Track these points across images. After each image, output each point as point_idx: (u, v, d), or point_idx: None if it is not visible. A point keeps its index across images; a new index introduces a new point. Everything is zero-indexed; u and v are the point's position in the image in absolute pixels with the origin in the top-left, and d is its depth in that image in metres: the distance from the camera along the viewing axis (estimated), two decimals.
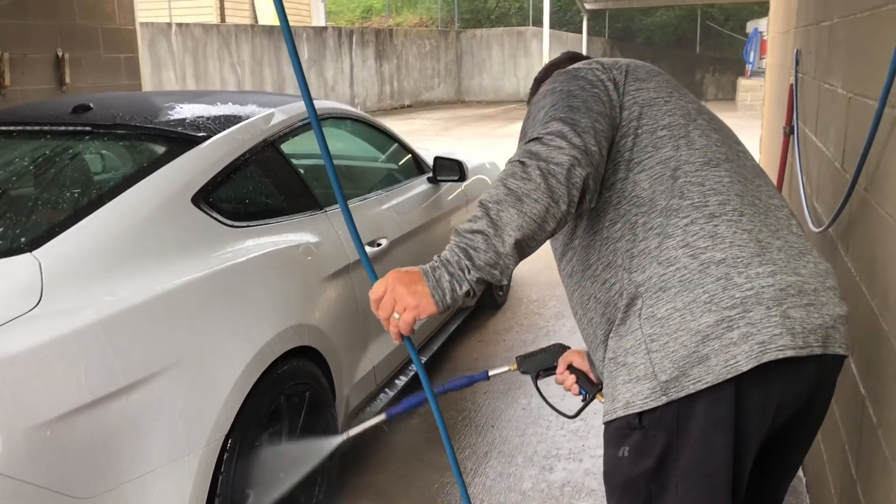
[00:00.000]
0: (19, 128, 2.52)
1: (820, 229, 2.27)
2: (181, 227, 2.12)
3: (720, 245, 1.31)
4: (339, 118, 3.35)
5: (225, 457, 1.96)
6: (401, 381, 3.14)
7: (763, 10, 17.72)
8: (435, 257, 1.31)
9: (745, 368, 1.25)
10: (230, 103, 2.92)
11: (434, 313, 1.31)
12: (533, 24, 23.97)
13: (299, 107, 2.90)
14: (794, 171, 3.22)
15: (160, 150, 2.36)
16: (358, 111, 3.53)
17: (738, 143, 1.51)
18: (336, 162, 1.43)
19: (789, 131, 3.52)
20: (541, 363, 1.88)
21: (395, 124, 10.89)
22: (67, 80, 6.14)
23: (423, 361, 1.56)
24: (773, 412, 1.32)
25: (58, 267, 1.78)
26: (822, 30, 2.72)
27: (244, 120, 2.60)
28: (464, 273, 1.27)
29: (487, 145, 12.36)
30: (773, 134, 4.79)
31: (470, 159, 4.33)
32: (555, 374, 1.83)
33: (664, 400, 1.29)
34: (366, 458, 2.95)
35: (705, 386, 1.26)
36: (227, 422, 1.97)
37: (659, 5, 24.32)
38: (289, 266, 2.40)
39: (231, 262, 2.15)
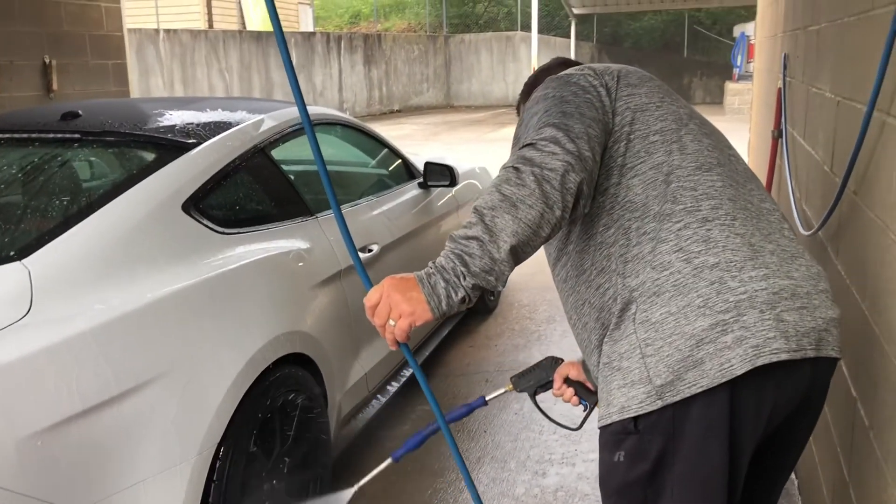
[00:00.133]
0: (7, 135, 2.51)
1: (810, 232, 2.28)
2: (172, 235, 2.11)
3: (713, 249, 1.31)
4: (329, 124, 3.35)
5: (217, 465, 1.95)
6: (393, 387, 3.14)
7: (750, 15, 17.83)
8: (430, 263, 1.31)
9: (739, 372, 1.25)
10: (220, 110, 2.92)
11: (430, 320, 1.30)
12: (521, 29, 24.04)
13: (289, 113, 2.90)
14: (782, 175, 3.24)
15: (150, 157, 2.35)
16: (348, 116, 3.52)
17: (730, 147, 1.52)
18: (327, 168, 1.42)
19: (778, 135, 3.54)
20: (537, 380, 1.86)
21: (384, 129, 10.88)
22: (55, 86, 6.10)
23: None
24: (767, 415, 1.33)
25: (48, 275, 1.77)
26: (810, 34, 2.74)
27: (234, 126, 2.59)
28: (459, 279, 1.27)
29: (477, 150, 12.37)
30: (762, 137, 4.82)
31: (460, 164, 4.34)
32: (551, 388, 1.83)
33: (659, 404, 1.29)
34: (359, 464, 2.94)
35: (700, 390, 1.26)
36: (220, 430, 1.96)
37: (646, 10, 24.44)
38: (280, 273, 2.39)
39: (222, 270, 2.14)
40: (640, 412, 1.31)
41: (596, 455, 2.91)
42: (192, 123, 2.59)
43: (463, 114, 20.99)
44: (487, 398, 1.89)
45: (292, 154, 3.06)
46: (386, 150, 3.76)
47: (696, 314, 1.27)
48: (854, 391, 1.75)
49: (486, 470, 2.89)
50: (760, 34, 6.17)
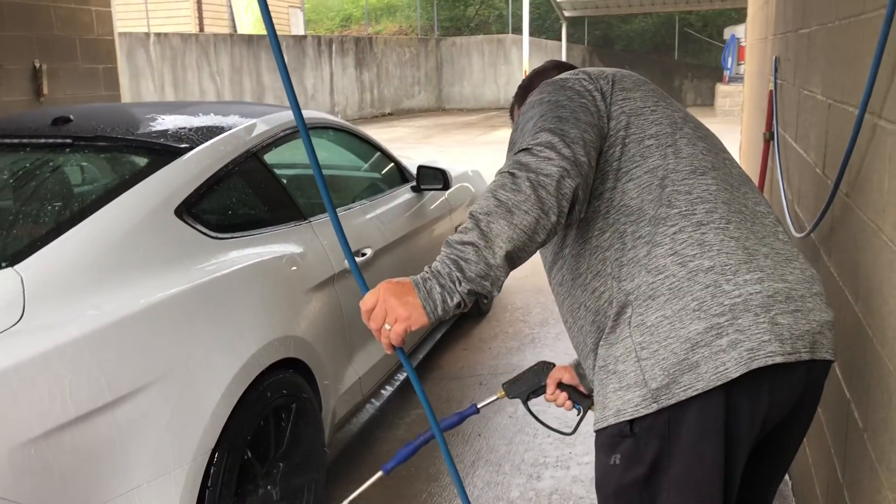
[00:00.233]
0: None
1: (802, 234, 2.29)
2: (164, 240, 2.10)
3: (708, 253, 1.32)
4: (320, 128, 3.35)
5: (212, 471, 1.94)
6: (387, 392, 3.13)
7: (740, 17, 17.93)
8: (426, 268, 1.31)
9: (734, 375, 1.26)
10: (212, 114, 2.91)
11: (426, 325, 1.30)
12: (512, 32, 24.06)
13: (282, 117, 2.89)
14: (774, 177, 3.26)
15: (142, 161, 2.34)
16: (340, 120, 3.52)
17: (724, 150, 1.53)
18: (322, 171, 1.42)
19: (769, 137, 3.55)
20: (529, 385, 1.85)
21: (375, 132, 10.87)
22: (45, 91, 6.07)
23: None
24: (762, 417, 1.33)
25: (40, 281, 1.76)
26: (801, 37, 2.75)
27: (227, 131, 2.58)
28: (455, 285, 1.27)
29: (469, 153, 12.38)
30: (753, 139, 4.84)
31: (453, 167, 4.34)
32: (544, 394, 1.83)
33: (655, 407, 1.29)
34: (352, 469, 2.93)
35: (695, 393, 1.27)
36: (214, 435, 1.95)
37: (637, 12, 24.53)
38: (273, 277, 2.38)
39: (215, 275, 2.13)
40: (636, 415, 1.31)
41: (590, 458, 2.91)
42: (184, 128, 2.58)
43: (455, 116, 21.01)
44: (479, 406, 1.88)
45: (285, 158, 3.06)
46: (378, 153, 3.76)
47: (692, 317, 1.28)
48: (848, 393, 1.76)
49: (480, 474, 2.89)
50: (751, 37, 6.20)
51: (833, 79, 2.07)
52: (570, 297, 1.48)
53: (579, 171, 1.29)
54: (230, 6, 20.40)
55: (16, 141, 2.49)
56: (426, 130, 17.17)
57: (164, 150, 2.36)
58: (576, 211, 1.32)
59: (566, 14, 22.12)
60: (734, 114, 14.93)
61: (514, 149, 1.36)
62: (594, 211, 1.41)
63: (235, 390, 2.02)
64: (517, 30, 21.91)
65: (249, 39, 17.34)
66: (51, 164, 2.41)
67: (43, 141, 2.46)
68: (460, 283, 1.26)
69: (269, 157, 2.72)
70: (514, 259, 1.28)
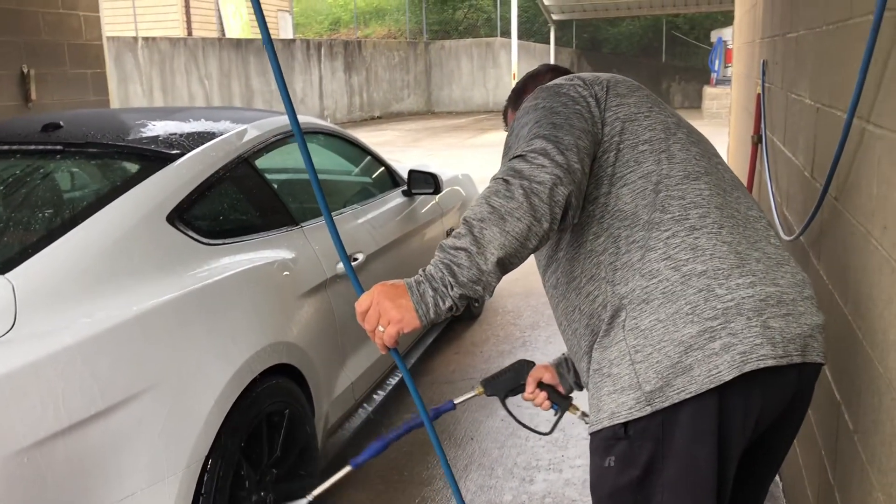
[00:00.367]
0: None
1: (791, 237, 2.30)
2: (157, 246, 2.10)
3: (701, 257, 1.33)
4: (311, 133, 3.34)
5: (206, 477, 1.94)
6: (379, 396, 3.13)
7: (727, 20, 18.03)
8: (420, 271, 1.32)
9: (727, 378, 1.27)
10: (203, 119, 2.90)
11: (418, 327, 1.32)
12: (501, 35, 24.11)
13: (273, 122, 2.89)
14: (763, 180, 3.28)
15: (134, 168, 2.33)
16: (330, 125, 3.52)
17: (717, 155, 1.54)
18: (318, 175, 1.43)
19: (757, 140, 3.58)
20: (508, 384, 1.85)
21: (365, 136, 10.87)
22: (33, 96, 6.05)
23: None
24: (754, 420, 1.34)
25: (32, 289, 1.76)
26: (789, 41, 2.77)
27: (218, 136, 2.58)
28: (447, 289, 1.28)
29: (459, 156, 12.40)
30: (741, 142, 4.87)
31: (444, 171, 4.34)
32: (522, 392, 1.83)
33: (649, 410, 1.30)
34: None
35: (689, 396, 1.28)
36: (207, 442, 1.95)
37: (625, 15, 24.63)
38: (265, 283, 2.38)
39: (207, 281, 2.13)
40: (630, 418, 1.32)
41: (582, 461, 2.93)
42: (175, 134, 2.58)
43: (444, 120, 21.02)
44: (456, 402, 1.90)
45: (276, 164, 3.05)
46: (369, 158, 3.76)
47: (685, 321, 1.29)
48: (838, 395, 1.77)
49: (473, 477, 2.89)
50: (738, 40, 6.24)
51: (821, 83, 2.09)
52: (565, 300, 1.49)
53: (572, 178, 1.30)
54: (218, 10, 20.35)
55: (5, 147, 2.47)
56: (415, 134, 17.18)
57: (155, 157, 2.35)
58: (569, 217, 1.33)
59: (554, 17, 22.20)
60: (721, 116, 15.02)
61: (509, 154, 1.37)
62: (589, 215, 1.42)
63: (229, 397, 2.02)
64: (506, 33, 21.96)
65: (238, 43, 17.30)
66: (41, 170, 2.40)
67: (33, 147, 2.45)
68: (452, 288, 1.27)
69: (261, 163, 2.72)
70: (506, 265, 1.29)
